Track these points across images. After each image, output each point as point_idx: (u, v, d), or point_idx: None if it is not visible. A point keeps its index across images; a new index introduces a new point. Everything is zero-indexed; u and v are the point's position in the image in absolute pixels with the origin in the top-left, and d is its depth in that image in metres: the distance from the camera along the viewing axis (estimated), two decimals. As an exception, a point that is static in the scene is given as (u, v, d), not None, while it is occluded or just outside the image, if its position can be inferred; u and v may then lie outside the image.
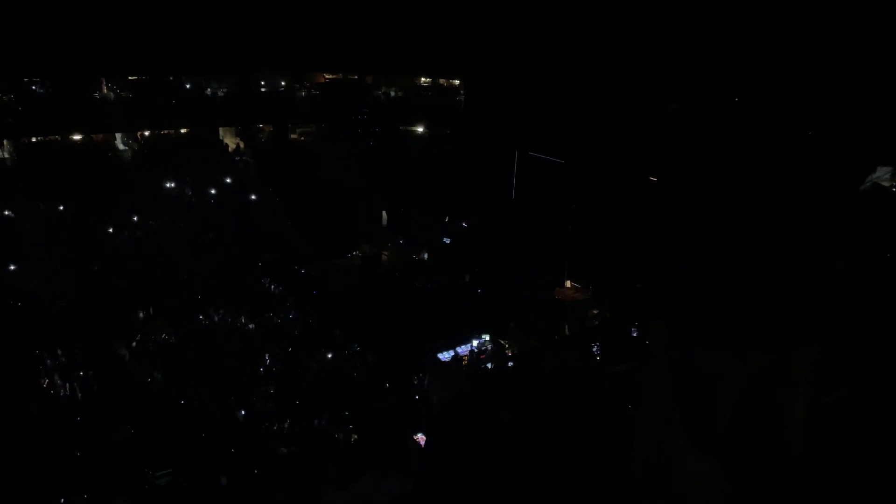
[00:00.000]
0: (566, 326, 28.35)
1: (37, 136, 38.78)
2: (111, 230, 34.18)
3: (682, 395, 2.26)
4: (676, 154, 2.17)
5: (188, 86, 42.35)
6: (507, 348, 27.54)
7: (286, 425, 20.69)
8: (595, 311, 29.63)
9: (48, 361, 23.55)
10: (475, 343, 27.41)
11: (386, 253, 37.06)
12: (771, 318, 2.08)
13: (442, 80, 46.08)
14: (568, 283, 33.27)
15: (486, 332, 27.71)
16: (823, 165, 1.95)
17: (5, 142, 37.39)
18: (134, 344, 25.31)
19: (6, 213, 33.40)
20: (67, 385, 22.36)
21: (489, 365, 26.73)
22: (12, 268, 29.74)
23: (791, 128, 1.93)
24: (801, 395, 2.30)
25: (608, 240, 29.95)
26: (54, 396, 22.07)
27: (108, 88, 39.88)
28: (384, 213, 39.21)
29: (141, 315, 27.50)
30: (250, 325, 27.89)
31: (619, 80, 28.17)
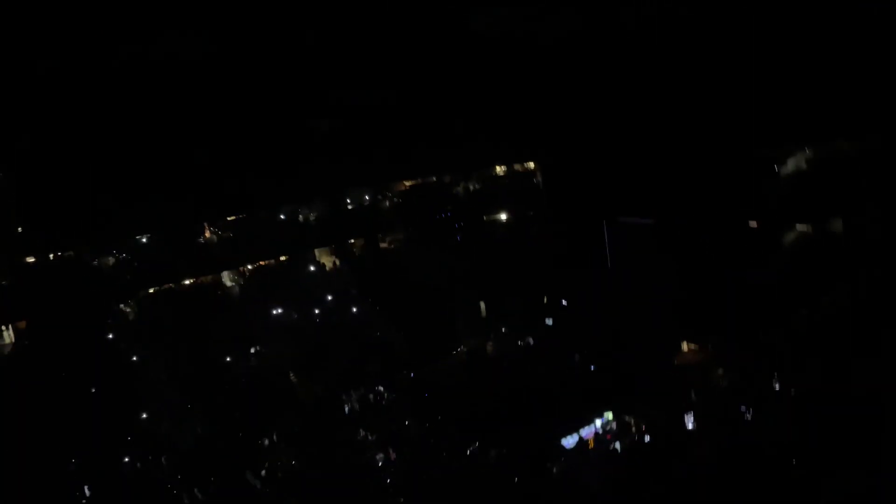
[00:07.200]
0: (692, 392, 26.73)
1: (152, 287, 41.51)
2: (228, 360, 35.62)
3: None
4: None
5: (282, 216, 44.68)
6: (633, 425, 26.18)
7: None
8: (721, 371, 27.88)
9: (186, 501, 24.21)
10: (598, 423, 26.25)
11: (490, 343, 36.66)
12: None
13: (517, 166, 46.78)
14: (685, 346, 31.59)
15: (607, 411, 26.54)
16: None
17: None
18: (263, 472, 25.71)
19: (133, 358, 35.47)
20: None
21: (617, 444, 25.47)
22: (144, 416, 31.16)
23: None
24: None
25: (718, 292, 28.67)
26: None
27: (210, 232, 42.65)
28: (482, 303, 39.11)
29: (266, 442, 28.03)
30: (370, 437, 27.88)
31: (700, 130, 27.74)
